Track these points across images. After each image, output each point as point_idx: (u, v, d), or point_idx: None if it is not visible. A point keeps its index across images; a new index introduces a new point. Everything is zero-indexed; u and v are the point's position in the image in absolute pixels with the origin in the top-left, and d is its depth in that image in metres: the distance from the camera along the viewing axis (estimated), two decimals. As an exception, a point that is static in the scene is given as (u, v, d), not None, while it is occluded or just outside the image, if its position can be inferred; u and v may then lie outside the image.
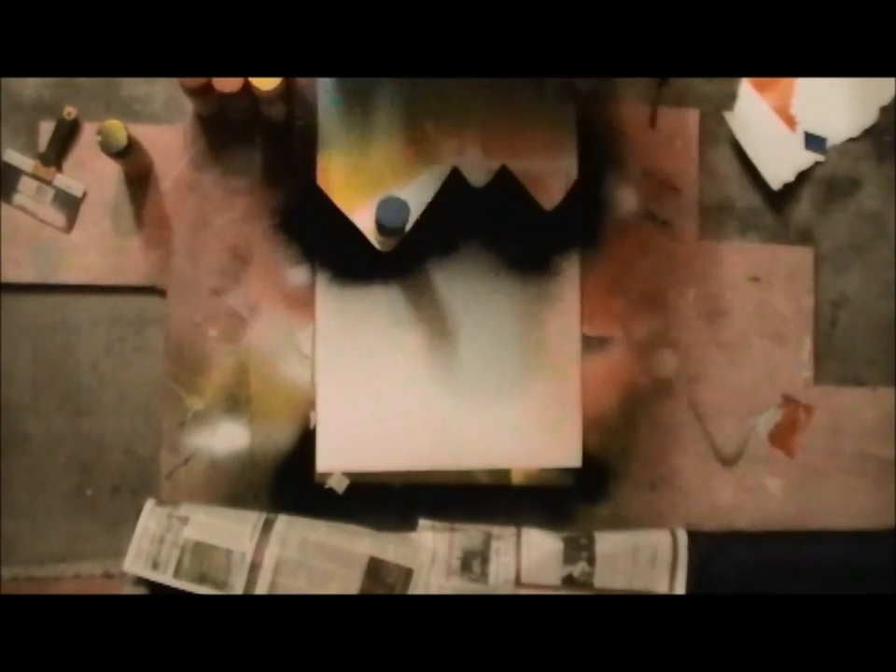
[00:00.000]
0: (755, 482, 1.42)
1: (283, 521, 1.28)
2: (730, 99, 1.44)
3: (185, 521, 1.27)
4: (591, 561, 1.32)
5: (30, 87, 1.32)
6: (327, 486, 1.32)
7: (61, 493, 1.32)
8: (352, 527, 1.30)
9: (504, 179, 1.35)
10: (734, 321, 1.43)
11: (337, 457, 1.33)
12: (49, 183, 1.32)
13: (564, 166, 1.36)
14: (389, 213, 1.19)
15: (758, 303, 1.43)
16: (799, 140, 1.44)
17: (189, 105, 1.33)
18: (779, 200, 1.44)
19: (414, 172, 1.33)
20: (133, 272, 1.33)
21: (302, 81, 1.33)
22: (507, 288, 1.37)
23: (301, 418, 1.34)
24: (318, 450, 1.32)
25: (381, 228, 1.23)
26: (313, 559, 1.27)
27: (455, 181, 1.33)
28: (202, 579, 1.25)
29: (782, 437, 1.43)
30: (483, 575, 1.30)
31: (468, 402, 1.35)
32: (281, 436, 1.34)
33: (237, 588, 1.25)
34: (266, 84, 1.19)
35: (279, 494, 1.33)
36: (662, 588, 1.32)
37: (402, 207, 1.19)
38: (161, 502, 1.29)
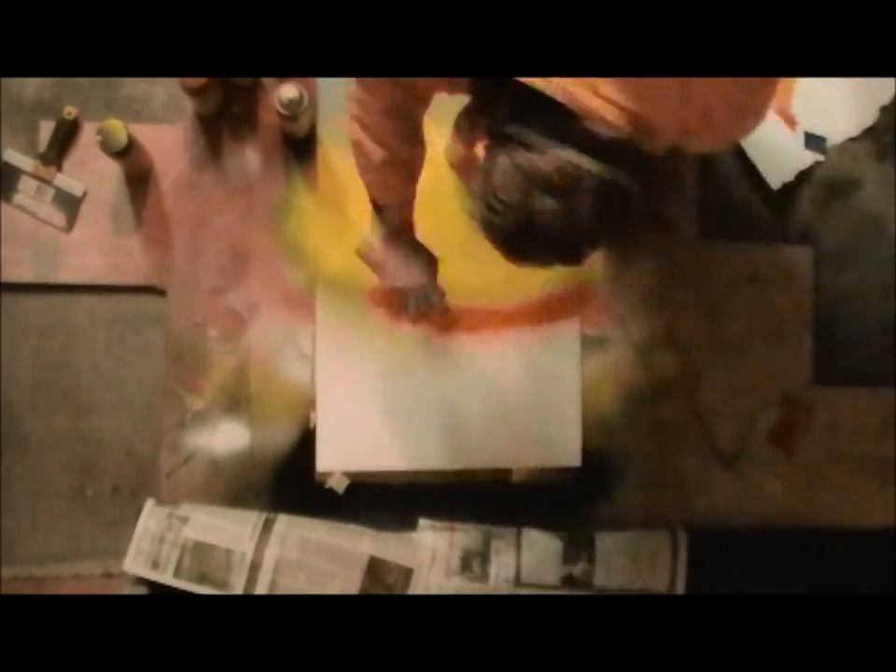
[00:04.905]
0: (755, 482, 1.42)
1: (283, 521, 1.28)
2: (730, 99, 1.44)
3: (185, 521, 1.27)
4: (591, 561, 1.32)
5: (30, 87, 1.32)
6: (327, 486, 1.32)
7: (61, 493, 1.32)
8: (352, 527, 1.30)
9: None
10: (734, 321, 1.43)
11: (337, 457, 1.33)
12: (49, 183, 1.32)
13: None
14: None
15: (758, 303, 1.43)
16: (799, 140, 1.44)
17: (189, 105, 1.33)
18: (779, 200, 1.44)
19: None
20: (133, 272, 1.33)
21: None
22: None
23: (301, 418, 1.34)
24: (318, 450, 1.32)
25: None
26: (313, 559, 1.27)
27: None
28: (202, 578, 1.25)
29: (782, 437, 1.43)
30: (483, 575, 1.30)
31: (468, 402, 1.35)
32: (281, 436, 1.33)
33: (237, 588, 1.25)
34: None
35: (279, 494, 1.33)
36: (662, 588, 1.32)
37: None
38: (160, 502, 1.29)
